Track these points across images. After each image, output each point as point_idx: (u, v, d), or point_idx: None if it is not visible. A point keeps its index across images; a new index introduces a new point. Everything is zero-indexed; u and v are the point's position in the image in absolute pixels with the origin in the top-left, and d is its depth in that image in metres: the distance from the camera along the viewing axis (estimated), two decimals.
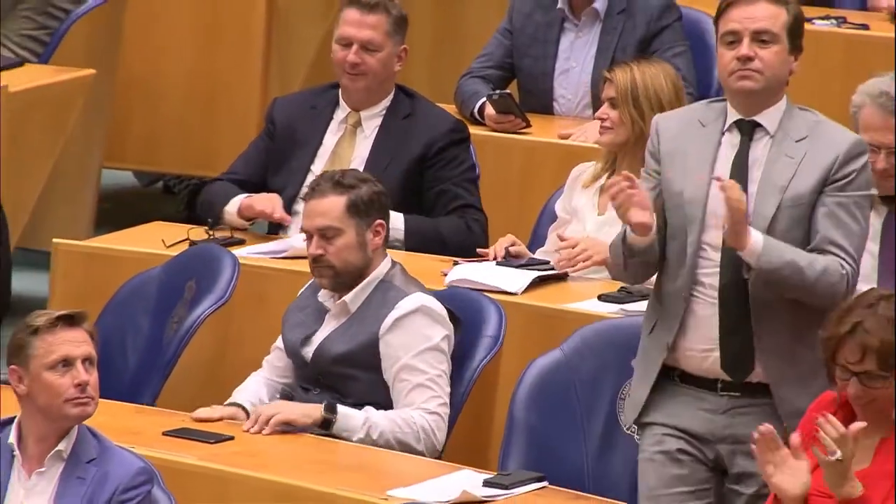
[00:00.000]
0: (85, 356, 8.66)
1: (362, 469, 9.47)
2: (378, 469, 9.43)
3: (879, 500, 8.27)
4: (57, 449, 8.55)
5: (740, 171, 9.37)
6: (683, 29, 11.62)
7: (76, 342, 8.70)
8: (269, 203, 10.57)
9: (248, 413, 10.01)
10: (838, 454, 7.92)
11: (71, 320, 8.67)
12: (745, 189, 9.20)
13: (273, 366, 10.23)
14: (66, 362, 8.66)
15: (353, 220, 10.19)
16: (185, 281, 11.12)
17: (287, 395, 10.18)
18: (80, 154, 11.99)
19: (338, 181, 10.26)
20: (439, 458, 9.81)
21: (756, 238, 8.94)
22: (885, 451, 8.32)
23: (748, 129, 9.41)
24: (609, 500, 9.36)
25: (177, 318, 11.04)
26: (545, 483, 9.26)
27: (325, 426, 9.62)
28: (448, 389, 9.71)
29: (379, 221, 10.24)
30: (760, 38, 9.34)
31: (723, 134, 9.35)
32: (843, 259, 8.93)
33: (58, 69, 11.68)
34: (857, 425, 7.82)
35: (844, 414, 8.30)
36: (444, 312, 9.66)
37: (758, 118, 9.37)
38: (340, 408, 9.65)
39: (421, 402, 9.52)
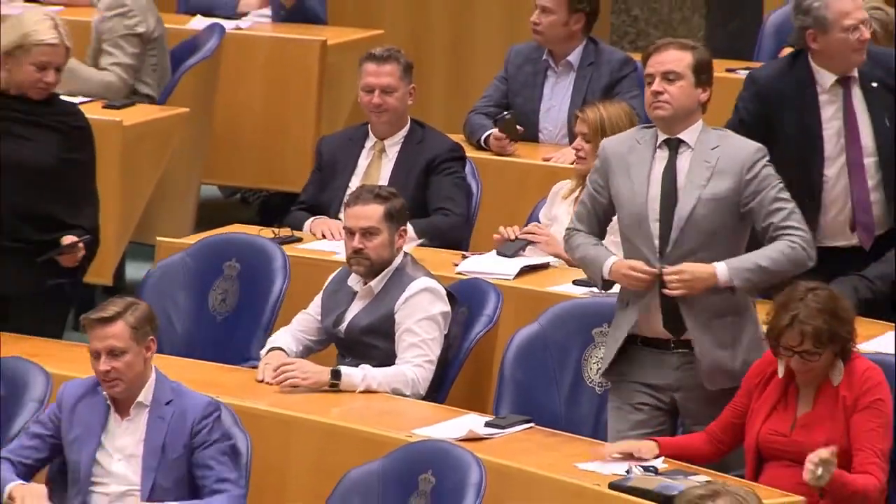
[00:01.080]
0: (108, 349, 8.47)
1: (390, 414, 9.23)
2: (402, 414, 9.17)
3: (824, 437, 8.15)
4: (138, 400, 8.46)
5: (670, 176, 9.28)
6: (638, 78, 11.09)
7: (102, 338, 8.53)
8: (325, 226, 10.62)
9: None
10: (824, 478, 7.84)
11: (103, 321, 8.57)
12: (674, 189, 9.27)
13: (303, 324, 9.91)
14: (96, 354, 8.53)
15: (388, 224, 9.94)
16: (222, 261, 10.76)
17: (308, 350, 9.88)
18: (186, 172, 11.80)
19: (378, 193, 10.01)
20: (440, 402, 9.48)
21: (720, 269, 8.87)
22: (823, 398, 8.29)
23: (675, 145, 9.33)
24: (577, 435, 9.05)
25: (220, 290, 10.70)
26: (532, 424, 9.00)
27: (332, 387, 9.33)
28: (437, 351, 9.46)
29: (403, 227, 10.03)
30: (668, 77, 9.29)
31: (656, 150, 9.26)
32: (794, 235, 8.88)
33: (161, 108, 11.52)
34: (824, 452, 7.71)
35: (787, 376, 8.27)
36: (444, 293, 9.46)
37: (681, 136, 9.27)
38: (343, 369, 9.41)
39: (411, 358, 9.36)
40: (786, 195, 9.16)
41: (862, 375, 8.36)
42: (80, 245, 9.65)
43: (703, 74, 9.50)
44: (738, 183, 9.16)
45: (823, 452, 7.88)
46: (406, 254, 9.79)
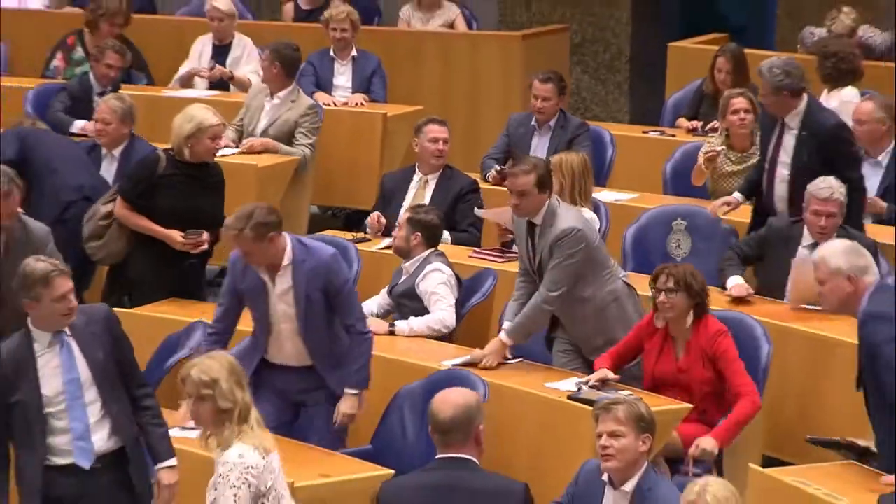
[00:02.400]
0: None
1: (427, 352, 8.76)
2: (434, 351, 8.64)
3: (697, 381, 7.80)
4: (284, 264, 7.78)
5: (531, 245, 8.64)
6: (590, 136, 10.78)
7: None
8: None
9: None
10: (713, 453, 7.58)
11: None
12: (534, 255, 8.70)
13: (382, 296, 9.36)
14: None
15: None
16: None
17: (385, 313, 9.39)
18: (298, 196, 11.11)
19: (427, 210, 9.54)
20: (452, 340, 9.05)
21: (504, 338, 8.44)
22: (690, 348, 7.84)
23: (531, 226, 8.64)
24: (548, 365, 8.56)
25: None
26: (521, 359, 8.49)
27: (390, 333, 8.84)
28: (452, 301, 9.05)
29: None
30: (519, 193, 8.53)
31: (526, 225, 8.61)
32: (539, 295, 8.30)
33: (277, 156, 10.99)
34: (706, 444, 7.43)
35: (664, 333, 7.90)
36: (452, 273, 8.99)
37: (534, 220, 8.59)
38: (396, 322, 8.99)
39: (439, 307, 8.90)
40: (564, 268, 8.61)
41: (709, 335, 7.96)
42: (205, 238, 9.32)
43: (545, 184, 8.87)
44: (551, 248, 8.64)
45: (695, 451, 7.66)
46: (436, 251, 9.30)
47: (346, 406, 7.91)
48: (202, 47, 11.87)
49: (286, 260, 7.88)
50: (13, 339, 6.56)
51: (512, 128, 11.16)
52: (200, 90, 12.06)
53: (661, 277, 7.95)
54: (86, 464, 6.61)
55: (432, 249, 9.45)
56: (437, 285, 9.11)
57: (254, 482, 6.13)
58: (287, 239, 8.08)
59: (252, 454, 6.12)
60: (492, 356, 8.28)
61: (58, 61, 11.40)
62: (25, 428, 6.53)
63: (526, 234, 8.73)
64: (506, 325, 8.66)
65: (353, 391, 7.98)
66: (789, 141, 9.36)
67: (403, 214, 9.63)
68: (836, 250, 7.10)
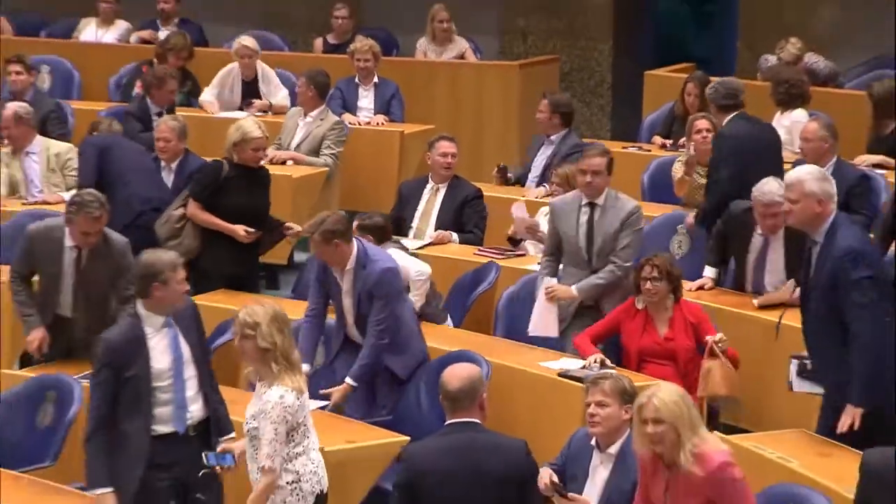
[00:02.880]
0: None
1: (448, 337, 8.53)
2: (452, 337, 8.50)
3: (682, 349, 7.67)
4: (347, 268, 7.83)
5: (589, 225, 8.52)
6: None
7: None
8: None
9: None
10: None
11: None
12: (592, 234, 8.60)
13: None
14: None
15: None
16: None
17: None
18: (327, 201, 10.77)
19: (370, 215, 9.22)
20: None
21: (574, 291, 8.31)
22: (674, 323, 7.71)
23: (591, 206, 8.58)
24: (543, 348, 8.35)
25: None
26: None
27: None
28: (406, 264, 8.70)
29: None
30: (594, 173, 8.52)
31: (580, 208, 8.56)
32: (615, 266, 8.23)
33: (310, 168, 10.87)
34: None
35: (644, 314, 7.79)
36: (403, 254, 8.82)
37: (596, 200, 8.54)
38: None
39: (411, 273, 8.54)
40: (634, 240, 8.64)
41: (690, 310, 7.90)
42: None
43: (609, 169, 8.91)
44: (620, 227, 8.55)
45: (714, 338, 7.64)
46: (392, 241, 9.20)
47: (338, 395, 7.87)
48: (231, 81, 11.72)
49: (350, 264, 7.89)
50: (125, 324, 6.59)
51: (533, 149, 10.95)
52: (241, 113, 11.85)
53: (645, 268, 7.81)
54: (182, 429, 6.59)
55: (387, 242, 9.22)
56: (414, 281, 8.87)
57: (290, 419, 6.17)
58: (355, 246, 8.08)
59: (290, 395, 6.13)
60: (562, 291, 8.26)
61: (137, 88, 11.30)
62: (135, 400, 6.50)
63: (578, 218, 8.60)
64: (579, 284, 8.49)
65: (353, 382, 7.91)
66: None
67: (354, 224, 9.44)
68: (812, 175, 6.89)
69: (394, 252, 8.78)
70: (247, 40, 11.74)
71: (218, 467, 6.61)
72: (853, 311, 6.65)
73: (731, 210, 8.65)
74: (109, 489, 6.28)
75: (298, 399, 6.23)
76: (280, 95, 11.73)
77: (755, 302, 8.47)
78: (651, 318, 7.82)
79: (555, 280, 8.72)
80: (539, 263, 9.12)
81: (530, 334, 8.59)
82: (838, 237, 6.79)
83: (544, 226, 9.30)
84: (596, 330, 8.15)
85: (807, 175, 6.90)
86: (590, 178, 8.57)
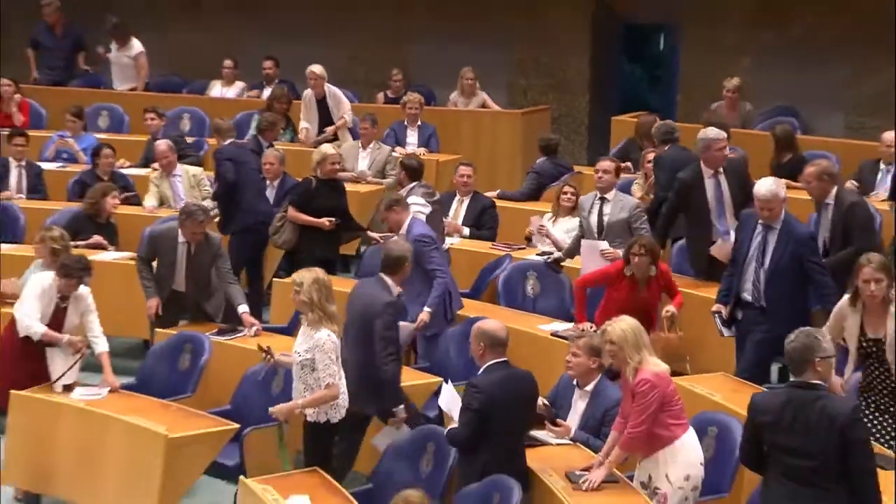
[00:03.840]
0: None
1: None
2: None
3: (654, 304, 7.41)
4: (401, 232, 7.79)
5: (599, 214, 8.25)
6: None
7: None
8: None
9: None
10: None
11: None
12: (602, 221, 8.23)
13: None
14: None
15: None
16: None
17: None
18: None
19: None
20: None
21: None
22: (650, 285, 7.39)
23: (602, 200, 8.24)
24: (544, 316, 8.21)
25: None
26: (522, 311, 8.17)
27: None
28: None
29: None
30: (604, 171, 8.28)
31: (594, 201, 8.27)
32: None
33: (380, 185, 10.46)
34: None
35: (632, 277, 7.45)
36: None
37: (606, 196, 8.26)
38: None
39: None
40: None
41: (663, 275, 7.50)
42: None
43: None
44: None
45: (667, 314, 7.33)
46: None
47: (425, 316, 7.58)
48: (309, 102, 11.39)
49: (403, 229, 7.80)
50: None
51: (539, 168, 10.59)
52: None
53: (634, 247, 7.49)
54: None
55: (416, 183, 9.01)
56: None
57: (335, 352, 6.07)
58: (408, 216, 7.95)
59: (333, 336, 6.06)
60: (615, 254, 7.84)
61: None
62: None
63: (591, 209, 8.33)
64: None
65: (429, 309, 7.60)
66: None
67: (399, 163, 9.48)
68: (780, 185, 7.03)
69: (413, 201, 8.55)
70: (315, 67, 11.43)
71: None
72: (816, 270, 6.82)
73: (679, 177, 8.09)
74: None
75: (338, 339, 6.11)
76: (344, 108, 11.40)
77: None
78: (636, 281, 7.52)
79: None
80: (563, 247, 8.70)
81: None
82: (794, 225, 6.95)
83: (550, 229, 9.08)
84: (592, 276, 7.89)
85: (778, 187, 6.92)
86: (601, 175, 8.37)
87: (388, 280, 6.77)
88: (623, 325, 5.76)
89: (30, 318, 6.89)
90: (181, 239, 7.92)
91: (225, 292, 8.02)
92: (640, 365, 5.63)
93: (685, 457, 5.59)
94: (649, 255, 7.47)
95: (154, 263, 8.11)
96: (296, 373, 6.20)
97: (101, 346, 7.05)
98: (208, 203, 9.43)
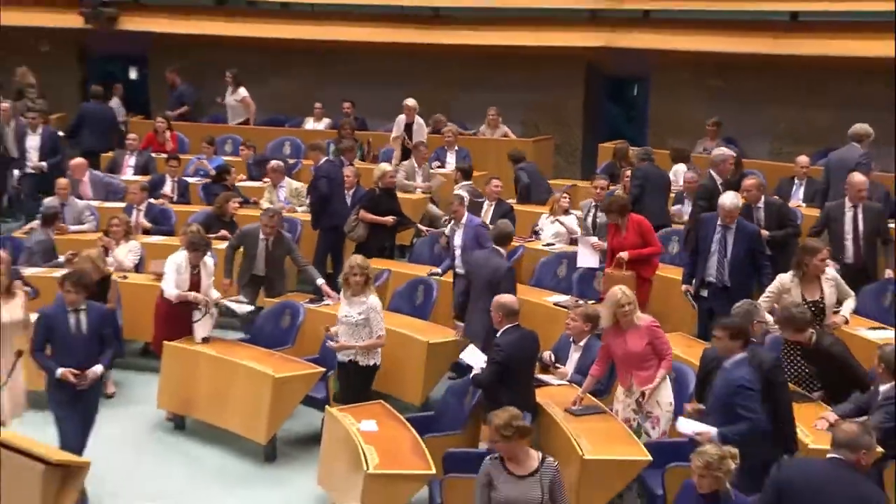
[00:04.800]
0: None
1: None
2: None
3: (631, 245, 7.00)
4: (463, 221, 7.44)
5: (594, 216, 8.11)
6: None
7: None
8: None
9: None
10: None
11: None
12: (596, 221, 8.08)
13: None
14: None
15: None
16: None
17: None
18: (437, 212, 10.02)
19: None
20: None
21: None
22: (628, 230, 7.07)
23: (596, 207, 8.08)
24: (551, 291, 7.79)
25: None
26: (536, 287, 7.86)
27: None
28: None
29: None
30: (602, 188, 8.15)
31: (591, 209, 8.18)
32: None
33: (422, 194, 10.13)
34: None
35: (616, 226, 7.10)
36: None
37: (601, 204, 7.94)
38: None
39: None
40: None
41: (640, 224, 7.12)
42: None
43: None
44: None
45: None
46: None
47: None
48: (400, 123, 11.05)
49: (464, 220, 7.51)
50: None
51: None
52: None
53: (611, 206, 7.12)
54: None
55: (464, 181, 9.14)
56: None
57: (382, 313, 6.06)
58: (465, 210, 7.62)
59: (379, 301, 6.07)
60: (602, 245, 7.45)
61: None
62: None
63: (588, 212, 8.18)
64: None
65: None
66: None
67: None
68: (737, 198, 6.79)
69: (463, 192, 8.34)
70: (409, 101, 11.10)
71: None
72: (762, 257, 6.68)
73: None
74: None
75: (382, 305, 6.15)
76: (422, 135, 11.03)
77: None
78: (619, 228, 7.15)
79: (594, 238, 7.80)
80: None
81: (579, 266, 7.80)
82: (744, 224, 6.77)
83: (548, 226, 8.74)
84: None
85: (738, 200, 6.78)
86: (599, 189, 8.38)
87: (502, 250, 6.84)
88: (629, 291, 5.60)
89: (168, 286, 6.87)
90: (262, 236, 7.74)
91: (303, 273, 7.84)
92: (639, 318, 5.48)
93: (667, 388, 5.48)
94: (617, 213, 7.18)
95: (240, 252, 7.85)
96: (348, 331, 6.06)
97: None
98: (303, 209, 9.32)
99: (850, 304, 6.14)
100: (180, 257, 6.96)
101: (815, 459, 4.09)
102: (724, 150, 8.09)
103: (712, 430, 4.43)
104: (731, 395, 4.49)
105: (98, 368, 5.52)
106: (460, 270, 7.43)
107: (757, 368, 4.59)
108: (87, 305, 5.53)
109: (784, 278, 6.05)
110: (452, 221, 7.85)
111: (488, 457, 4.18)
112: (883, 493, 3.99)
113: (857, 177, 7.27)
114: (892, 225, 7.73)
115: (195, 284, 6.93)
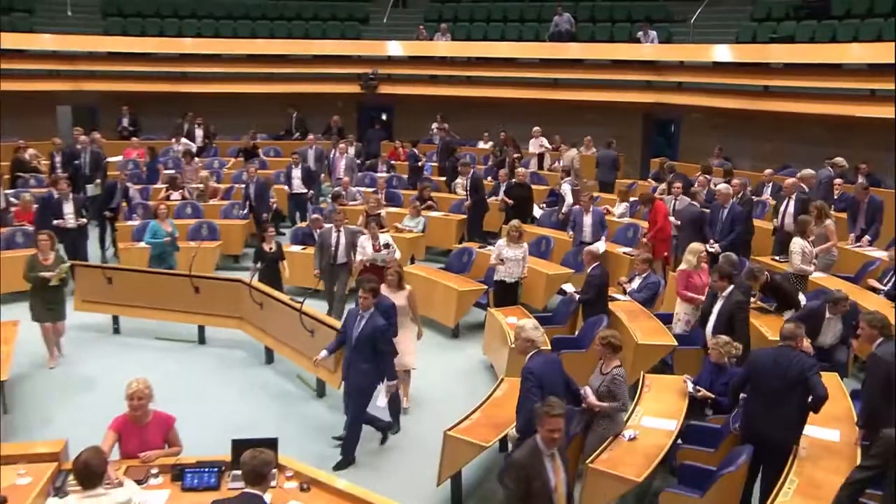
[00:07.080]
0: None
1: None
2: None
3: (651, 222, 6.31)
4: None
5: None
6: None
7: None
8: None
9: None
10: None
11: None
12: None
13: None
14: None
15: None
16: None
17: None
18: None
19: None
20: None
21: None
22: (652, 213, 6.54)
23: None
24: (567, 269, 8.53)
25: None
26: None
27: None
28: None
29: None
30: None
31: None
32: None
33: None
34: None
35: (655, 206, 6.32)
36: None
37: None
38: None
39: None
40: None
41: (655, 209, 6.88)
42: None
43: None
44: None
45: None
46: None
47: None
48: (537, 143, 12.88)
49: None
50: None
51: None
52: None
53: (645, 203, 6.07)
54: None
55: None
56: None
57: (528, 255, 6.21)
58: None
59: (527, 247, 5.94)
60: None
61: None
62: None
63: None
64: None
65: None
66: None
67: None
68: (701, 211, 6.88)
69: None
70: (536, 129, 12.73)
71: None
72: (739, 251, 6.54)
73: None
74: None
75: None
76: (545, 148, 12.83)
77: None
78: (650, 212, 6.75)
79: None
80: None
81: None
82: (733, 205, 7.18)
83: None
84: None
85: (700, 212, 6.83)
86: (676, 187, 8.43)
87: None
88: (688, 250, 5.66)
89: (362, 252, 7.54)
90: (334, 231, 7.96)
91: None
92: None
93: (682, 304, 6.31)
94: (646, 202, 7.55)
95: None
96: (512, 265, 6.98)
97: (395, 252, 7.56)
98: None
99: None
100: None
101: (771, 347, 5.23)
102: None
103: (723, 337, 5.48)
104: (731, 313, 5.83)
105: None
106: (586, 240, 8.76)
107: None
108: None
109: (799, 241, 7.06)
110: (578, 206, 8.97)
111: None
112: (813, 359, 4.90)
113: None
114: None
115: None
